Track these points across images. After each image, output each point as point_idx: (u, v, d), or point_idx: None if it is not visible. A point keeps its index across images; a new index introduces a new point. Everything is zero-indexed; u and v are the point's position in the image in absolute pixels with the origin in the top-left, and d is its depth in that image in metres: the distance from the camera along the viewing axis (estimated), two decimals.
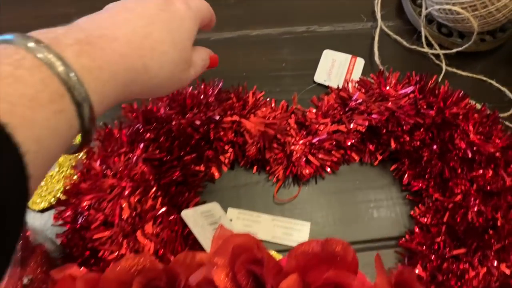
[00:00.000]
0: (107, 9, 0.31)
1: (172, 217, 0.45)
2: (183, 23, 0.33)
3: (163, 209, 0.44)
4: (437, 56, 0.59)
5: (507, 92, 0.57)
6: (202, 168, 0.49)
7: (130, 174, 0.43)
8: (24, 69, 0.21)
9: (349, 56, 0.58)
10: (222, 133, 0.49)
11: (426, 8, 0.58)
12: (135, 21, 0.30)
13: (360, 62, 0.58)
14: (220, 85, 0.51)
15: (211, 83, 0.51)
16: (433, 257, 0.44)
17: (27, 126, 0.20)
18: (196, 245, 0.44)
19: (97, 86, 0.25)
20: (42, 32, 0.24)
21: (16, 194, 0.20)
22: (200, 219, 0.45)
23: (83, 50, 0.25)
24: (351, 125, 0.50)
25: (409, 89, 0.50)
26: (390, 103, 0.49)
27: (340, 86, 0.53)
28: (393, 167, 0.52)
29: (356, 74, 0.57)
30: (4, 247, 0.19)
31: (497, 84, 0.57)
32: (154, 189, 0.44)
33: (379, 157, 0.52)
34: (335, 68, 0.57)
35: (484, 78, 0.58)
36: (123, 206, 0.42)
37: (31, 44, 0.22)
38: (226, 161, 0.51)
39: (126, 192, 0.43)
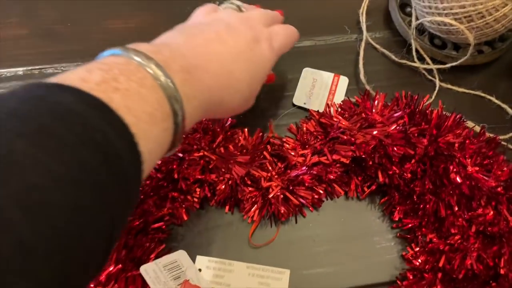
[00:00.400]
0: (203, 31, 0.34)
1: (129, 274, 0.39)
2: (263, 65, 0.37)
3: (119, 266, 0.38)
4: (429, 71, 0.53)
5: (508, 109, 0.51)
6: (165, 211, 0.43)
7: None
8: (146, 88, 0.24)
9: (331, 75, 0.52)
10: (188, 171, 0.43)
11: (417, 19, 0.52)
12: (225, 56, 0.33)
13: (343, 81, 0.52)
14: None
15: None
16: None
17: (145, 139, 0.23)
18: None
19: (190, 112, 0.28)
20: (151, 49, 0.27)
21: (136, 197, 0.25)
22: (163, 274, 0.40)
23: (185, 79, 0.28)
24: (334, 157, 0.44)
25: (398, 114, 0.44)
26: (376, 131, 0.44)
27: (322, 109, 0.48)
28: (382, 201, 0.47)
29: (340, 95, 0.51)
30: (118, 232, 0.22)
31: (497, 101, 0.52)
32: None
33: (366, 191, 0.46)
34: (316, 89, 0.51)
35: (483, 94, 0.52)
36: None
37: (152, 66, 0.25)
38: (195, 200, 0.45)
39: None
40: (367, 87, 0.51)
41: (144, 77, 0.25)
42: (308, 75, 0.52)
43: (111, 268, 0.38)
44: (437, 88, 0.52)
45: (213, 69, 0.31)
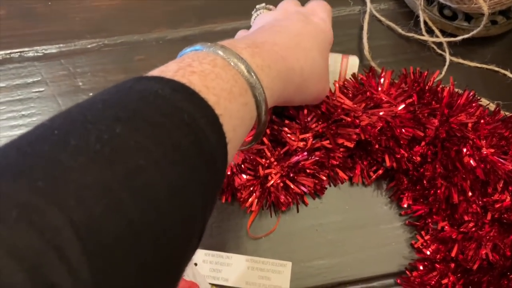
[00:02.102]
0: (256, 29, 0.36)
1: None
2: (325, 35, 0.37)
3: None
4: (439, 44, 0.49)
5: None
6: None
7: None
8: (219, 68, 0.25)
9: (338, 57, 0.45)
10: None
11: None
12: (287, 32, 0.34)
13: (354, 62, 0.44)
14: None
15: None
16: None
17: (228, 116, 0.24)
18: None
19: (268, 82, 0.28)
20: (215, 42, 0.28)
21: (223, 177, 0.25)
22: None
23: (254, 52, 0.29)
24: (337, 141, 0.41)
25: (406, 93, 0.41)
26: (383, 112, 0.40)
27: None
28: (389, 186, 0.44)
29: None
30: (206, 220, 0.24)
31: None
32: None
33: (372, 176, 0.43)
34: None
35: (496, 69, 0.49)
36: None
37: (218, 49, 0.26)
38: None
39: None
40: (372, 63, 0.47)
41: (214, 58, 0.26)
42: None
43: None
44: (447, 63, 0.48)
45: (280, 41, 0.32)
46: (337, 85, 0.43)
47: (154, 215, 0.18)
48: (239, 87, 0.26)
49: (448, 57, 0.48)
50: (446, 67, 0.48)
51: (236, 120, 0.25)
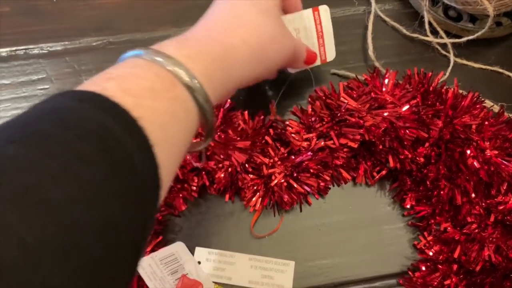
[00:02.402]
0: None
1: None
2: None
3: None
4: (443, 45, 0.49)
5: None
6: (161, 202, 0.40)
7: None
8: (140, 68, 0.24)
9: (310, 14, 0.41)
10: (184, 158, 0.40)
11: None
12: (221, 9, 0.32)
13: (324, 12, 0.41)
14: None
15: None
16: None
17: (152, 116, 0.22)
18: None
19: (202, 69, 0.26)
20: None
21: (151, 183, 0.22)
22: (159, 269, 0.37)
23: (181, 44, 0.27)
24: (341, 141, 0.41)
25: (410, 93, 0.41)
26: (387, 113, 0.40)
27: (319, 61, 0.42)
28: (392, 187, 0.44)
29: (328, 32, 0.42)
30: (144, 233, 0.21)
31: None
32: None
33: (376, 176, 0.43)
34: (304, 40, 0.41)
35: (501, 70, 0.49)
36: None
37: (141, 50, 0.25)
38: (193, 188, 0.43)
39: None
40: (376, 64, 0.47)
41: (135, 60, 0.25)
42: (289, 27, 0.40)
43: None
44: (451, 64, 0.48)
45: (213, 22, 0.31)
46: (341, 85, 0.43)
47: (53, 230, 0.16)
48: (163, 82, 0.24)
49: (452, 58, 0.48)
50: (450, 68, 0.48)
51: (165, 117, 0.23)
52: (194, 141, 0.30)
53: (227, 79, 0.29)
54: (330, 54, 0.43)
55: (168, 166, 0.23)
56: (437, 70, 0.44)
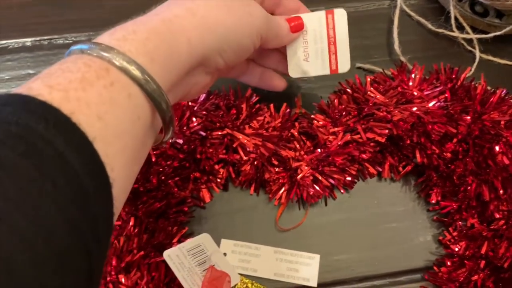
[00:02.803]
0: None
1: (152, 260, 0.37)
2: None
3: (141, 252, 0.36)
4: (469, 41, 0.49)
5: None
6: (187, 193, 0.41)
7: None
8: (69, 62, 0.22)
9: (322, 16, 0.37)
10: (210, 150, 0.40)
11: None
12: None
13: (341, 17, 0.37)
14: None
15: None
16: None
17: (85, 107, 0.21)
18: None
19: (138, 47, 0.24)
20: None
21: (94, 181, 0.20)
22: (187, 260, 0.37)
23: (116, 29, 0.25)
24: (368, 135, 0.41)
25: (439, 88, 0.41)
26: (415, 108, 0.40)
27: (327, 70, 0.39)
28: (418, 181, 0.43)
29: (343, 39, 0.38)
30: (94, 235, 0.19)
31: None
32: (127, 227, 0.36)
33: (402, 171, 0.43)
34: (311, 45, 0.38)
35: None
36: None
37: (73, 47, 0.24)
38: (218, 180, 0.43)
39: None
40: (402, 58, 0.47)
41: (67, 58, 0.24)
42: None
43: (136, 256, 0.35)
44: (477, 60, 0.48)
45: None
46: (368, 79, 0.43)
47: None
48: (95, 70, 0.22)
49: (478, 54, 0.48)
50: (475, 64, 0.48)
51: (101, 107, 0.21)
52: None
53: (176, 54, 0.26)
54: (343, 64, 0.38)
55: (118, 159, 0.22)
56: (462, 65, 0.44)
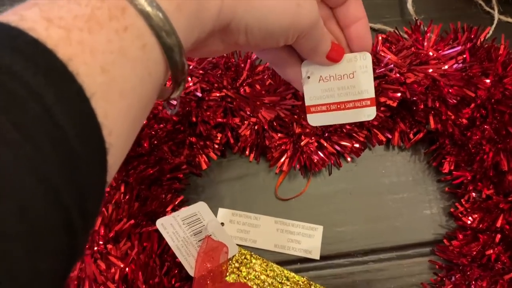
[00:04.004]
0: None
1: (143, 230, 0.34)
2: None
3: (131, 221, 0.33)
4: (487, 1, 0.45)
5: None
6: (182, 158, 0.38)
7: None
8: None
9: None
10: (207, 113, 0.37)
11: None
12: None
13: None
14: None
15: None
16: (481, 274, 0.35)
17: (89, 53, 0.17)
18: (176, 266, 0.35)
19: None
20: None
21: (87, 145, 0.16)
22: (181, 229, 0.35)
23: None
24: (379, 98, 0.38)
25: (457, 49, 0.37)
26: (431, 69, 0.37)
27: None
28: (430, 149, 0.41)
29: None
30: (83, 199, 0.16)
31: None
32: (117, 194, 0.34)
33: (413, 138, 0.40)
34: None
35: None
36: None
37: None
38: (216, 146, 0.40)
39: None
40: (416, 17, 0.43)
41: None
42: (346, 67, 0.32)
43: (127, 224, 0.33)
44: (495, 21, 0.44)
45: None
46: (380, 37, 0.40)
47: None
48: (108, 8, 0.18)
49: (496, 15, 0.44)
50: (494, 25, 0.44)
51: (107, 56, 0.17)
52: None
53: (206, 12, 0.21)
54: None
55: (119, 121, 0.18)
56: (480, 27, 0.41)
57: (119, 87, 0.18)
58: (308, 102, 0.32)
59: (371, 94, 0.32)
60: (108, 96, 0.17)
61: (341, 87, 0.32)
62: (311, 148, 0.38)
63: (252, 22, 0.24)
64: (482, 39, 0.39)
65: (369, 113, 0.33)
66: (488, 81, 0.36)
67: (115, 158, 0.18)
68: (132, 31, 0.18)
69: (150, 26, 0.18)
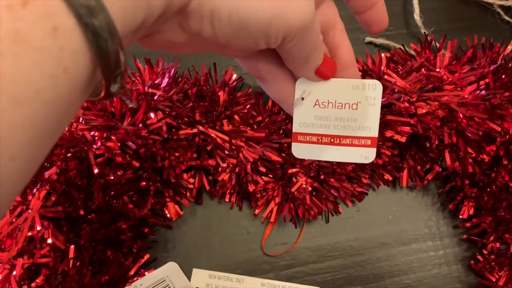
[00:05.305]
0: None
1: None
2: None
3: None
4: (507, 9, 0.39)
5: None
6: (146, 211, 0.31)
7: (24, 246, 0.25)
8: None
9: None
10: (176, 155, 0.30)
11: None
12: None
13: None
14: (172, 71, 0.32)
15: (155, 69, 0.32)
16: None
17: None
18: None
19: None
20: None
21: None
22: None
23: None
24: (385, 133, 0.31)
25: (478, 71, 0.31)
26: (446, 97, 0.31)
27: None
28: (444, 189, 0.34)
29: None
30: None
31: None
32: (65, 261, 0.27)
33: (424, 177, 0.34)
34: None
35: None
36: None
37: None
38: (188, 194, 0.33)
39: (17, 276, 0.26)
40: (424, 30, 0.37)
41: None
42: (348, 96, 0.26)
43: None
44: None
45: None
46: (383, 56, 0.33)
47: None
48: None
49: None
50: None
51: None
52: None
53: None
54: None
55: (12, 140, 0.13)
56: (498, 40, 0.34)
57: (9, 90, 0.12)
58: (296, 128, 0.26)
59: (374, 133, 0.26)
60: None
61: (340, 118, 0.26)
62: (304, 194, 0.31)
63: (220, 6, 0.17)
64: (502, 56, 0.33)
65: (367, 155, 0.26)
66: None
67: (6, 193, 0.13)
68: (35, 7, 0.13)
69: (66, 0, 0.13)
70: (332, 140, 0.26)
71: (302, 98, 0.26)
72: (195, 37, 0.19)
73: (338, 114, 0.26)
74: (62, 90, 0.14)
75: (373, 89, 0.25)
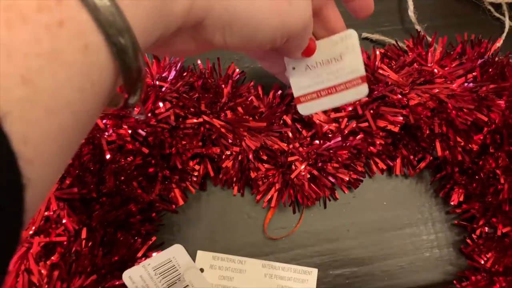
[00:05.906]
0: None
1: (108, 284, 0.29)
2: None
3: (93, 276, 0.29)
4: (497, 6, 0.40)
5: None
6: (154, 196, 0.33)
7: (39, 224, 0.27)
8: None
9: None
10: (183, 143, 0.32)
11: None
12: None
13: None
14: (178, 65, 0.34)
15: (162, 63, 0.34)
16: None
17: (4, 54, 0.12)
18: None
19: None
20: None
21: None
22: (153, 281, 0.30)
23: None
24: (378, 123, 0.33)
25: (466, 65, 0.33)
26: (437, 89, 0.32)
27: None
28: (436, 177, 0.36)
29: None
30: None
31: None
32: (77, 241, 0.29)
33: (417, 166, 0.36)
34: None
35: None
36: (32, 271, 0.27)
37: None
38: (194, 179, 0.35)
39: (34, 254, 0.28)
40: (418, 27, 0.39)
41: None
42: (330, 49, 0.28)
43: (87, 281, 0.28)
44: (506, 29, 0.40)
45: None
46: (378, 52, 0.35)
47: None
48: (26, 6, 0.13)
49: (507, 22, 0.40)
50: (505, 34, 0.40)
51: (31, 60, 0.13)
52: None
53: (170, 4, 0.17)
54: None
55: (44, 148, 0.14)
56: (489, 35, 0.36)
57: (46, 101, 0.13)
58: (296, 93, 0.29)
59: (362, 72, 0.28)
60: (29, 115, 0.13)
61: (330, 72, 0.28)
62: (303, 181, 0.33)
63: (233, 21, 0.19)
64: (491, 52, 0.34)
65: (361, 91, 0.28)
66: (502, 102, 0.32)
67: (36, 195, 0.14)
68: (70, 27, 0.14)
69: (97, 20, 0.14)
70: (330, 91, 0.28)
71: (293, 68, 0.28)
72: (205, 45, 0.21)
73: (328, 70, 0.28)
74: (89, 102, 0.15)
75: (350, 38, 0.27)
